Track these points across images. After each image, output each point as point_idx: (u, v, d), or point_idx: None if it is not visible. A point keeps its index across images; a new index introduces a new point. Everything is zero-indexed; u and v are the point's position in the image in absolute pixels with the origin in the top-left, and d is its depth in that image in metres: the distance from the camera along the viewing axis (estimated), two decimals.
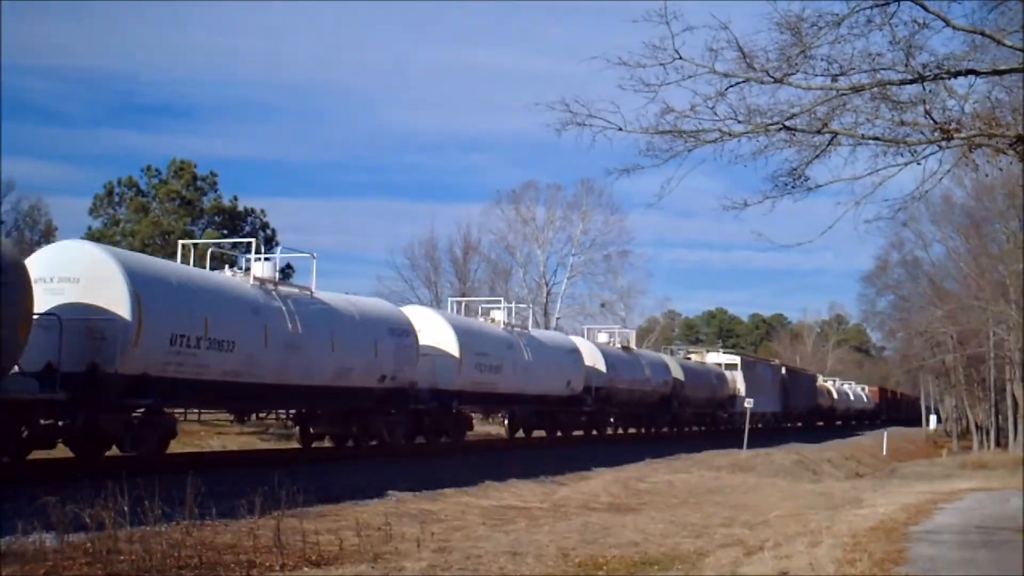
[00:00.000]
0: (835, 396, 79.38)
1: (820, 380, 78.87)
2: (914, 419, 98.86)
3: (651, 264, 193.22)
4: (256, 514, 11.46)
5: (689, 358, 50.37)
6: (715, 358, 52.12)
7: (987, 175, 15.90)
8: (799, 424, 67.68)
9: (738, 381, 49.88)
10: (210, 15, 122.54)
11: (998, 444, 55.65)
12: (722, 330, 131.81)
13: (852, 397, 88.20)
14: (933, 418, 71.75)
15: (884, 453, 48.81)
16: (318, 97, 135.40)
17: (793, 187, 12.77)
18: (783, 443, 44.70)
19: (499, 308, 30.71)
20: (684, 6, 11.46)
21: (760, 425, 54.10)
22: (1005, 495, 22.28)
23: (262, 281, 19.22)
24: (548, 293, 61.18)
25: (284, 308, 19.10)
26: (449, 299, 38.19)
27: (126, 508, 10.14)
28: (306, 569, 10.24)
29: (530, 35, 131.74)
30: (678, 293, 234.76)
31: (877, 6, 11.26)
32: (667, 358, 43.55)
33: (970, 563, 12.03)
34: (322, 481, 16.39)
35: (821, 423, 74.59)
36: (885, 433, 54.75)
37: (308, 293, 20.50)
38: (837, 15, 11.37)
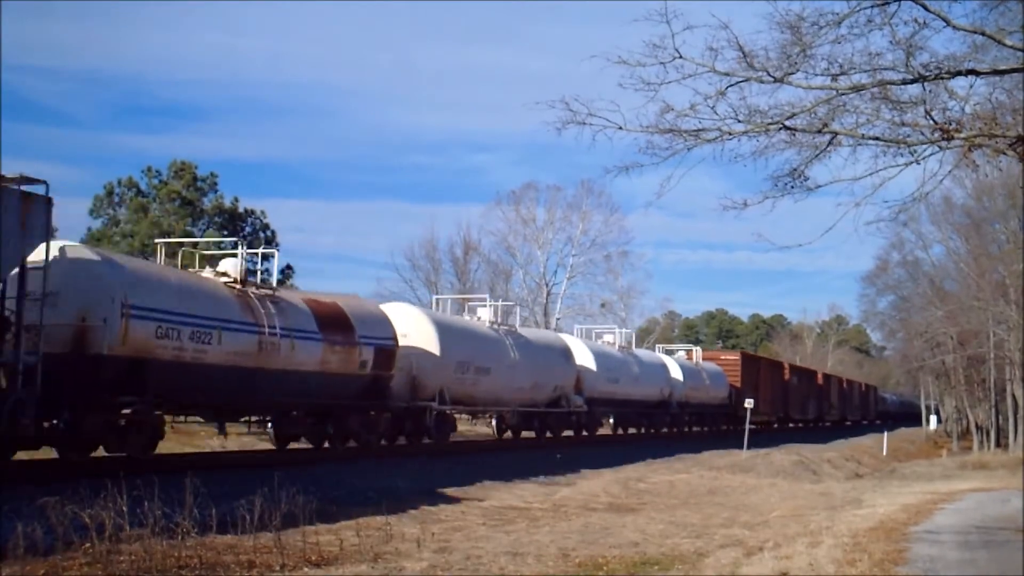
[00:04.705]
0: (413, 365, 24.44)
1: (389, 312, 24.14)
2: (864, 426, 78.32)
3: (652, 264, 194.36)
4: (256, 514, 11.45)
5: None
6: None
7: (987, 175, 15.90)
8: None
9: None
10: (213, 16, 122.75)
11: (998, 444, 55.61)
12: (722, 330, 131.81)
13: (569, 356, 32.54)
14: (933, 418, 71.55)
15: (884, 454, 48.79)
16: (320, 98, 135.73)
17: (793, 187, 12.78)
18: None
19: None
20: (684, 6, 11.49)
21: None
22: (1005, 495, 22.26)
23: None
24: (548, 294, 61.20)
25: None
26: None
27: (125, 508, 10.13)
28: (306, 569, 10.23)
29: (530, 35, 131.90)
30: (679, 294, 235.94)
31: (877, 6, 11.27)
32: None
33: (970, 563, 12.02)
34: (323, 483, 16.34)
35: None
36: (885, 434, 54.61)
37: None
38: (837, 15, 11.39)
